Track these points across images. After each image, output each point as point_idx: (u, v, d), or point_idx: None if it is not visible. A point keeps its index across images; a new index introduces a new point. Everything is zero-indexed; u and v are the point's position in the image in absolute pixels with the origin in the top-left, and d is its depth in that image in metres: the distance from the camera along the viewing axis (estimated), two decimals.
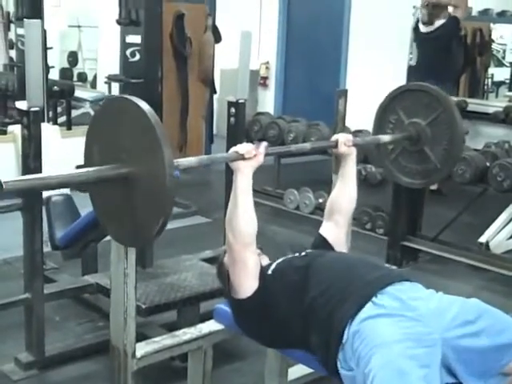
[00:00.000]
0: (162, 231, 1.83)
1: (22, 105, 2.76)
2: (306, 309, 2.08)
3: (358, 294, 2.00)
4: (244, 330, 2.29)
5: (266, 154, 2.17)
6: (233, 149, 2.14)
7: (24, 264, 2.96)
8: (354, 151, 2.48)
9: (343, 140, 2.44)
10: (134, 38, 5.32)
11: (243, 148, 2.12)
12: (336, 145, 2.45)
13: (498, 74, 8.80)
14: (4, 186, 1.66)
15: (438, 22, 6.11)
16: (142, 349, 2.33)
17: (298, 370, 2.83)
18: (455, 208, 4.60)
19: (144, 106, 1.81)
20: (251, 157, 2.12)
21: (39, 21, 2.89)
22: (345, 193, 2.46)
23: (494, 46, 8.67)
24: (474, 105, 6.73)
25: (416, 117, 2.67)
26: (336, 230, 2.43)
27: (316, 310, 2.05)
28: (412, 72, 6.71)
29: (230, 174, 3.65)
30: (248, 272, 2.14)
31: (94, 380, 2.87)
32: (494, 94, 8.79)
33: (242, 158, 2.11)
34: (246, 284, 2.14)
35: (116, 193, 1.89)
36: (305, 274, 2.14)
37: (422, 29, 6.24)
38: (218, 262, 2.38)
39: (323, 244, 2.41)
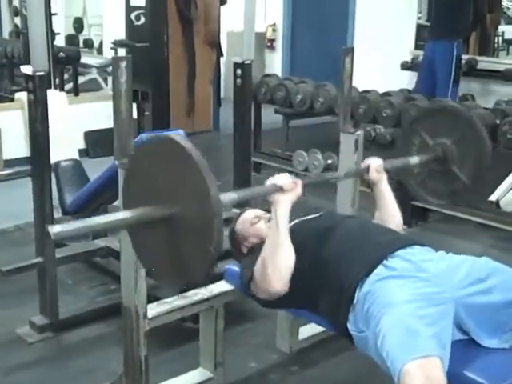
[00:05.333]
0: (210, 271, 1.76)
1: (27, 69, 2.75)
2: (314, 269, 2.08)
3: (369, 256, 2.00)
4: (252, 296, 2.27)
5: (303, 185, 2.09)
6: (270, 180, 2.08)
7: (35, 229, 2.98)
8: (384, 177, 2.40)
9: (374, 166, 2.38)
10: (139, 1, 5.27)
11: (281, 180, 2.07)
12: (367, 170, 2.39)
13: (509, 31, 8.68)
14: (52, 237, 1.58)
15: None
16: (154, 309, 2.36)
17: (309, 329, 2.86)
18: None
19: (186, 144, 1.68)
20: (289, 189, 2.06)
21: None
22: (389, 219, 2.36)
23: (504, 3, 8.54)
24: (485, 63, 6.64)
25: (441, 137, 2.61)
26: None
27: (325, 270, 2.05)
28: (423, 31, 6.62)
29: (238, 137, 3.68)
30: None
31: (107, 341, 2.91)
32: (504, 51, 8.68)
33: (280, 190, 2.05)
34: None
35: (159, 235, 1.75)
36: (315, 234, 2.15)
37: None
38: (230, 230, 2.37)
39: None
